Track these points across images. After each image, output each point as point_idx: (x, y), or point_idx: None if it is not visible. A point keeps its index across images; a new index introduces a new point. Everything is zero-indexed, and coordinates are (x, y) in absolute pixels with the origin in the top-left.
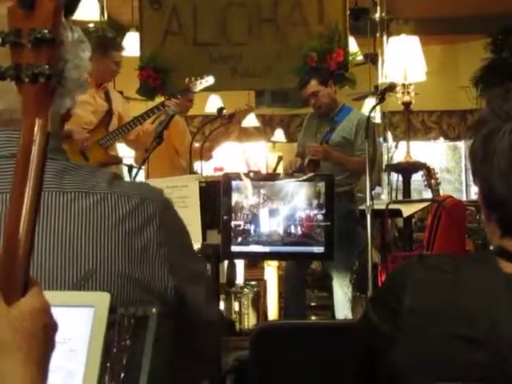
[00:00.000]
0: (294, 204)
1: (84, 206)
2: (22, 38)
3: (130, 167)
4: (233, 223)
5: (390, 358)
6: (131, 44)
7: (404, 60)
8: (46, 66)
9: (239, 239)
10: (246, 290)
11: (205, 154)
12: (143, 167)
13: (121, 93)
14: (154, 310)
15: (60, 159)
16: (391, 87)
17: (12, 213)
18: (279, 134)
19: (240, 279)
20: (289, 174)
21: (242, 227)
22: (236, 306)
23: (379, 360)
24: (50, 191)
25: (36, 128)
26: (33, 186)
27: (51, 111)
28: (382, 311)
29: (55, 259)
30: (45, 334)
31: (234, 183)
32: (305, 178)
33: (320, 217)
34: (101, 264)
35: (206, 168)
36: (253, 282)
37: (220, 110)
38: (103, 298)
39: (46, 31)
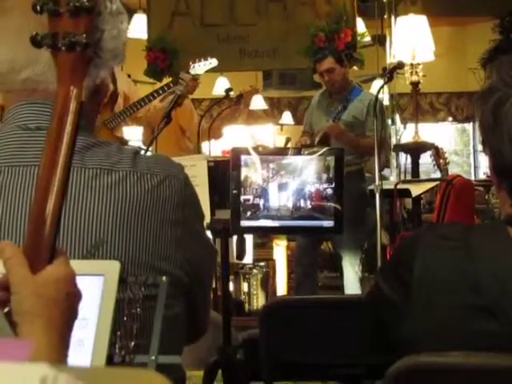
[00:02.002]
0: (304, 178)
1: (106, 183)
2: (60, 6)
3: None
4: (242, 198)
5: (401, 327)
6: (138, 26)
7: (412, 39)
8: (83, 35)
9: (248, 213)
10: (254, 270)
11: (215, 133)
12: (151, 148)
13: (128, 76)
14: (164, 278)
15: (82, 135)
16: (399, 66)
17: (42, 181)
18: (287, 117)
19: (249, 259)
20: (298, 149)
21: (251, 202)
22: (245, 286)
23: (390, 330)
24: (72, 167)
25: (70, 96)
26: (64, 155)
27: (85, 81)
28: (392, 280)
29: (68, 231)
30: (67, 303)
31: (243, 157)
32: (315, 152)
33: (329, 191)
34: (112, 233)
35: (214, 151)
36: (262, 263)
37: (228, 90)
38: (113, 267)
39: (85, 0)
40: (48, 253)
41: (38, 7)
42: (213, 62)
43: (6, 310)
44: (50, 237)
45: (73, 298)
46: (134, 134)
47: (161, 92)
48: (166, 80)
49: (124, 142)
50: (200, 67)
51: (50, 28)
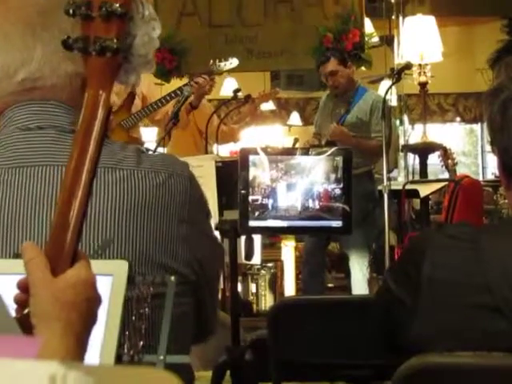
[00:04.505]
0: (312, 178)
1: (110, 180)
2: (92, 10)
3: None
4: (250, 198)
5: (410, 327)
6: None
7: (420, 40)
8: (115, 40)
9: (257, 214)
10: (262, 271)
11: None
12: (163, 148)
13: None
14: (172, 278)
15: None
16: (408, 66)
17: (67, 184)
18: (295, 118)
19: (257, 259)
20: (306, 149)
21: (259, 202)
22: (253, 287)
23: (399, 331)
24: None
25: (99, 101)
26: (90, 159)
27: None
28: (401, 280)
29: None
30: (87, 307)
31: (251, 157)
32: (323, 152)
33: (338, 191)
34: (116, 231)
35: (222, 152)
36: (270, 264)
37: (236, 91)
38: (121, 266)
39: (118, 5)
40: (70, 256)
41: (71, 11)
42: (233, 63)
43: (26, 311)
44: (72, 240)
45: (92, 302)
46: (151, 135)
47: (178, 93)
48: (174, 81)
49: (140, 143)
50: (220, 67)
51: (81, 32)
